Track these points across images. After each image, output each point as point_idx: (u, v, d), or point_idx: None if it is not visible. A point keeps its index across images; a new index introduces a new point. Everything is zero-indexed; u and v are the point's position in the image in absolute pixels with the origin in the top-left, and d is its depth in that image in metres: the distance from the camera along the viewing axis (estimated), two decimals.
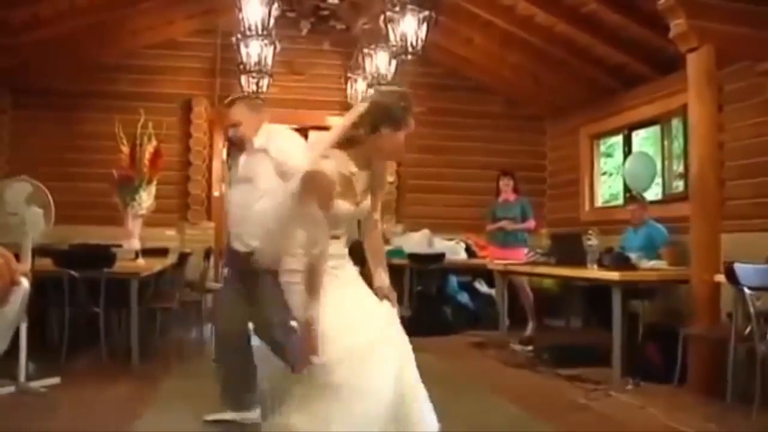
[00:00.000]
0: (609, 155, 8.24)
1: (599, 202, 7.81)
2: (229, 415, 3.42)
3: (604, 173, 8.19)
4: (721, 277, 3.93)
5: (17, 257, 1.32)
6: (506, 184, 6.59)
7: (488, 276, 7.03)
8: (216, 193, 7.80)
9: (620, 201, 7.36)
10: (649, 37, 5.79)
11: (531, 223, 6.58)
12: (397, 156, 2.47)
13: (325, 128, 8.03)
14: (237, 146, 3.56)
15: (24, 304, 1.30)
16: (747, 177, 5.23)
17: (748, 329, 3.55)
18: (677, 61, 5.04)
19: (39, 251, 4.50)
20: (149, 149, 5.97)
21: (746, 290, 3.51)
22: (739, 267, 3.56)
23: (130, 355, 4.78)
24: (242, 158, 3.46)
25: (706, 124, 4.49)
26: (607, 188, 8.18)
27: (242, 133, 3.40)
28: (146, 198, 5.78)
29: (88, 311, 4.76)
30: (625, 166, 6.68)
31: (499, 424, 3.63)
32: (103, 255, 4.92)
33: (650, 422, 3.51)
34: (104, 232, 6.12)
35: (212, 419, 3.42)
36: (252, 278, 3.20)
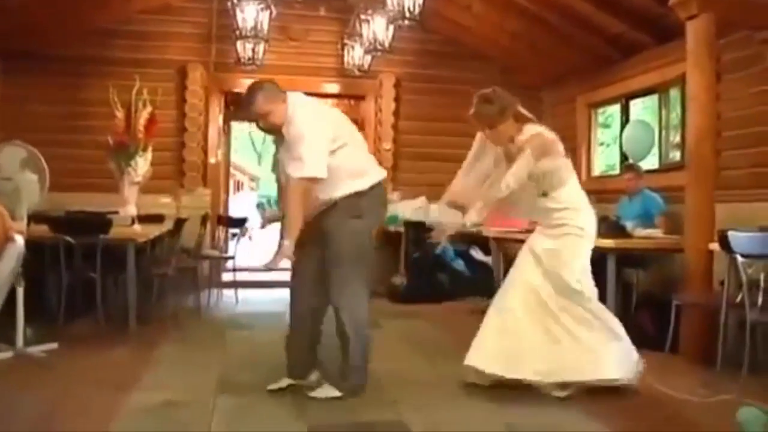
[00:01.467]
0: (606, 126, 8.22)
1: (596, 172, 7.80)
2: None
3: (602, 143, 8.16)
4: (714, 246, 3.94)
5: (12, 218, 1.32)
6: None
7: (484, 244, 7.07)
8: (212, 160, 7.77)
9: (617, 171, 7.34)
10: (647, 4, 5.72)
11: None
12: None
13: (321, 95, 8.10)
14: (274, 133, 3.50)
15: (19, 261, 1.30)
16: (743, 147, 5.21)
17: (740, 297, 3.58)
18: (676, 29, 4.99)
19: (35, 218, 4.51)
20: (144, 115, 5.91)
21: (739, 258, 3.54)
22: (732, 234, 3.58)
23: (127, 321, 4.83)
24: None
25: (704, 94, 4.46)
26: (604, 159, 8.16)
27: (272, 122, 3.38)
28: (142, 164, 5.75)
29: (85, 277, 4.78)
30: (624, 132, 6.66)
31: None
32: (100, 221, 4.93)
33: (642, 388, 3.56)
34: (100, 199, 6.10)
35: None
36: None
